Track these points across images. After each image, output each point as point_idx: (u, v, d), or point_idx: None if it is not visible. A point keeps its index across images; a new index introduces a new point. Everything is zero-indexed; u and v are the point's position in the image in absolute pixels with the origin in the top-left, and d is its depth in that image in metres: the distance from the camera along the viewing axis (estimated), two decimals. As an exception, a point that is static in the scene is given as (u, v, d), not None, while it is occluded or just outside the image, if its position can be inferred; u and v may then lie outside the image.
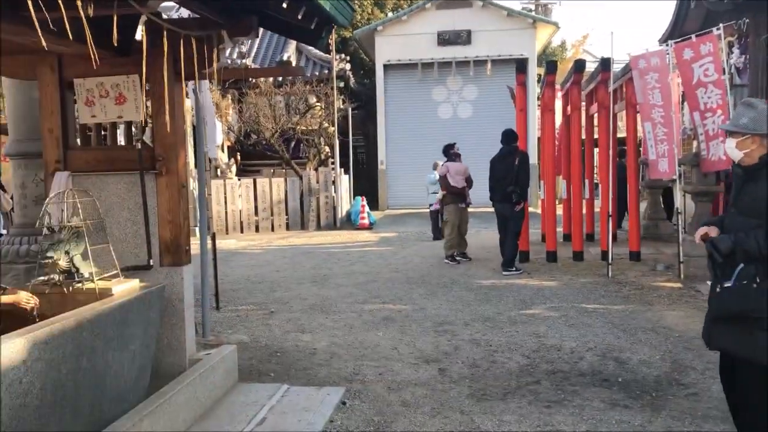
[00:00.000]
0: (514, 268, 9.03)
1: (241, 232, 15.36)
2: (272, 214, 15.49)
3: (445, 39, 20.11)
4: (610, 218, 8.73)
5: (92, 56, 2.97)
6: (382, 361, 5.35)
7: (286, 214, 15.70)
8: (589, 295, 7.59)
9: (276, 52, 19.96)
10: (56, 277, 3.57)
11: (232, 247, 13.15)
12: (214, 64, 4.35)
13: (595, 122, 10.97)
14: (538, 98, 14.32)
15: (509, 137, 9.17)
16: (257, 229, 15.52)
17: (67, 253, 3.60)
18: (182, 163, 4.63)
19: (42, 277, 3.63)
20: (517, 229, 9.08)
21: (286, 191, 15.51)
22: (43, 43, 2.75)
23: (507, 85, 11.12)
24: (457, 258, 10.04)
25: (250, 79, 17.00)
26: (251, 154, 18.52)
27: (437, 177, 13.41)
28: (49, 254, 3.58)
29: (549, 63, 9.25)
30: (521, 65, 9.39)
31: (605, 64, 8.95)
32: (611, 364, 5.15)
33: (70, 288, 3.55)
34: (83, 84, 4.51)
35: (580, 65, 9.34)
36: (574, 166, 9.70)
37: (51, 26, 2.83)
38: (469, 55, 20.02)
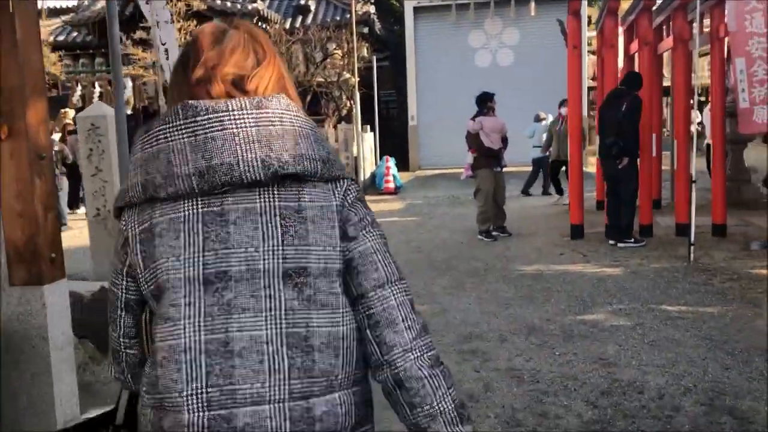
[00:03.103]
0: (632, 240, 7.30)
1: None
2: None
3: (484, -24, 17.80)
4: (693, 183, 6.73)
5: None
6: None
7: (301, 177, 13.93)
8: (669, 289, 5.69)
9: (294, -5, 18.00)
10: None
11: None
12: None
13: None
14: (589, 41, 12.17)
15: (633, 81, 7.31)
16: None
17: None
18: (37, 120, 2.89)
19: None
20: (629, 191, 7.25)
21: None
22: None
23: (557, 18, 9.04)
24: (494, 233, 8.18)
25: (260, 24, 15.15)
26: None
27: (535, 131, 12.14)
28: None
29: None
30: (576, -13, 7.34)
31: (688, -18, 6.81)
32: (727, 423, 3.31)
33: None
34: None
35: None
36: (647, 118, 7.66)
37: None
38: (510, -6, 17.70)
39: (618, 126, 6.99)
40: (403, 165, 17.09)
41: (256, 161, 1.10)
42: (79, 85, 15.38)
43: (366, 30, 16.72)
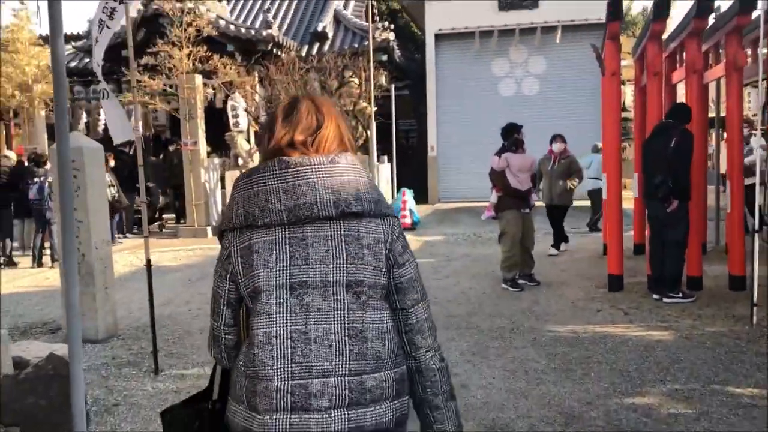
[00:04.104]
0: (679, 294, 6.38)
1: (261, 232, 12.94)
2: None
3: (508, 2, 17.12)
4: (756, 233, 5.78)
5: None
6: None
7: (314, 210, 13.16)
8: (733, 363, 4.74)
9: (312, 21, 17.45)
10: None
11: (240, 255, 10.75)
12: None
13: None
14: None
15: (681, 113, 6.43)
16: (279, 230, 13.07)
17: None
18: None
19: None
20: (677, 238, 6.31)
21: (313, 184, 12.98)
22: None
23: (591, 44, 8.20)
24: (520, 282, 7.29)
25: (275, 51, 14.54)
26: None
27: (592, 161, 10.82)
28: None
29: (658, 4, 6.25)
30: (615, 7, 6.48)
31: (745, 2, 5.94)
32: None
33: None
34: None
35: (704, 7, 6.33)
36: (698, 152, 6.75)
37: None
38: (535, 21, 16.98)
39: (667, 164, 6.10)
40: (421, 197, 16.29)
41: (330, 202, 1.58)
42: (83, 111, 14.82)
43: (385, 57, 16.03)
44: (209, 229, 12.80)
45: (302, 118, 1.66)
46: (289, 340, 1.55)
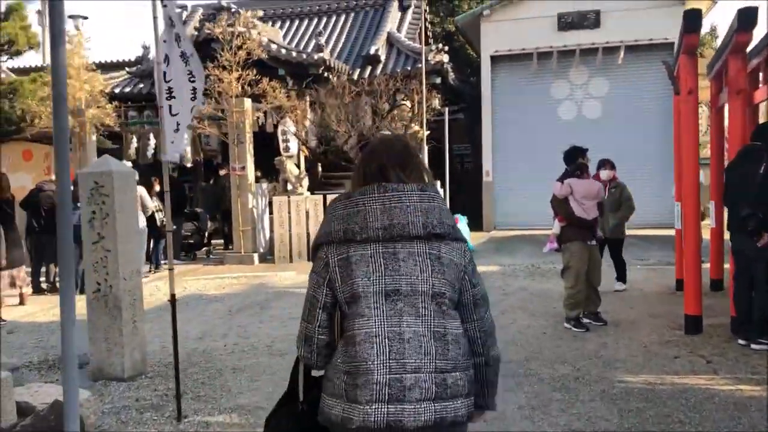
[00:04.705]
0: None
1: (308, 260, 12.53)
2: (346, 239, 12.52)
3: (568, 22, 16.51)
4: None
5: None
6: None
7: (363, 237, 12.69)
8: None
9: (364, 44, 17.17)
10: None
11: (286, 283, 10.34)
12: None
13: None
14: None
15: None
16: (327, 257, 12.63)
17: None
18: None
19: None
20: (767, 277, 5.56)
21: (362, 210, 12.52)
22: None
23: (662, 60, 7.51)
24: (585, 321, 6.61)
25: (326, 75, 14.26)
26: (337, 166, 15.65)
27: None
28: None
29: (745, 13, 5.52)
30: (692, 18, 5.82)
31: None
32: None
33: None
34: None
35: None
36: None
37: None
38: (597, 41, 16.30)
39: (756, 192, 5.37)
40: (476, 224, 15.66)
41: (419, 224, 1.88)
42: (134, 137, 14.81)
43: (438, 80, 15.57)
44: (256, 256, 12.48)
45: (400, 151, 2.02)
46: (387, 339, 1.80)
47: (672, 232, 9.40)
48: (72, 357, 2.25)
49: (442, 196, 12.40)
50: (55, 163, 2.51)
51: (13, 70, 17.59)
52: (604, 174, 8.15)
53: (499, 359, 2.06)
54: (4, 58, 17.81)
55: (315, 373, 2.01)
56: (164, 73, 4.44)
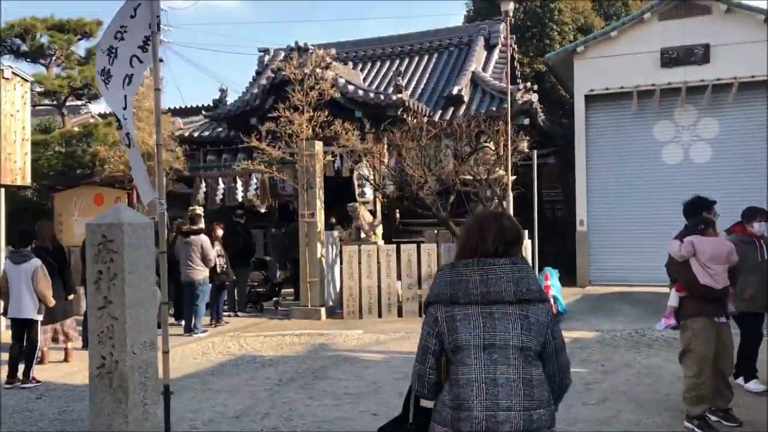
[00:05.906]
0: None
1: (379, 316, 11.39)
2: (421, 292, 11.31)
3: (672, 58, 14.92)
4: None
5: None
6: None
7: (442, 292, 11.47)
8: None
9: (447, 85, 16.23)
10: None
11: (350, 345, 9.24)
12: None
13: None
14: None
15: None
16: (400, 313, 11.43)
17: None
18: None
19: None
20: None
21: (438, 260, 11.33)
22: None
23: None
24: (713, 420, 5.13)
25: (405, 117, 13.34)
26: (415, 213, 14.57)
27: None
28: None
29: None
30: None
31: None
32: None
33: None
34: None
35: None
36: None
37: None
38: (706, 78, 14.60)
39: None
40: (568, 278, 14.11)
41: (511, 291, 2.34)
42: (203, 181, 14.34)
43: (527, 121, 14.35)
44: (323, 310, 11.49)
45: (514, 234, 2.49)
46: (484, 384, 2.28)
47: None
48: None
49: (530, 248, 10.70)
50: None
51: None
52: (758, 226, 6.12)
53: (568, 387, 2.50)
54: (83, 101, 18.16)
55: (423, 403, 2.55)
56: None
